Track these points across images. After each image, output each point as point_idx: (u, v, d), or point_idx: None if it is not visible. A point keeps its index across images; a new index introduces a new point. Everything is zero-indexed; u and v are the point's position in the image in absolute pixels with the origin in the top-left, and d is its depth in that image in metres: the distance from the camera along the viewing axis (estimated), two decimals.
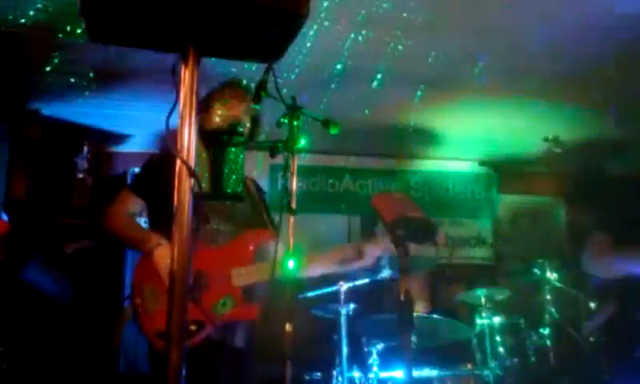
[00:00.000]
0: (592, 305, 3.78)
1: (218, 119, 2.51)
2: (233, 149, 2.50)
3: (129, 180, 4.41)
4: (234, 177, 2.56)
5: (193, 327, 2.26)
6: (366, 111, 4.63)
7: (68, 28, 3.32)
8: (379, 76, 4.02)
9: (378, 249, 2.58)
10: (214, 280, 2.36)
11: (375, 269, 2.80)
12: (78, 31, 3.33)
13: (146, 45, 1.32)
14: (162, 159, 2.47)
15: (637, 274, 2.38)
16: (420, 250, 2.35)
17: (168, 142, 1.24)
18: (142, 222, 2.93)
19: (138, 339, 3.71)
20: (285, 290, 2.13)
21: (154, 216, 2.53)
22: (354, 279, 3.51)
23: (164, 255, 2.27)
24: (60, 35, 3.39)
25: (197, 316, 2.26)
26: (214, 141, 2.49)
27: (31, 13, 3.17)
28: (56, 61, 3.75)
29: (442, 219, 5.84)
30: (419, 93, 4.34)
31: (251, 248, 2.49)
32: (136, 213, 2.55)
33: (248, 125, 2.54)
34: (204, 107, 2.51)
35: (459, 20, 3.36)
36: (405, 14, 3.26)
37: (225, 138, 2.47)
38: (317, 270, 2.63)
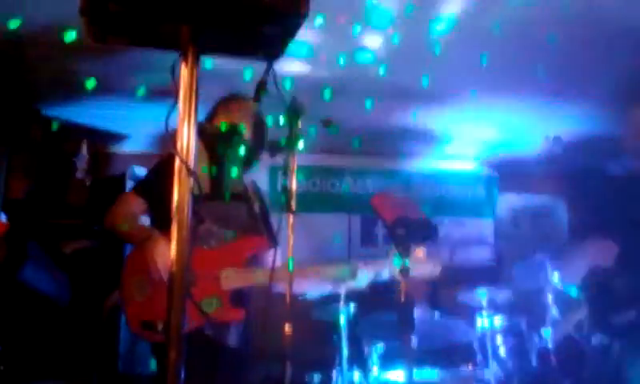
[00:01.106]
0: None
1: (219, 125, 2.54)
2: (232, 150, 2.51)
3: (128, 180, 4.42)
4: (234, 176, 2.57)
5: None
6: (367, 111, 4.62)
7: (68, 28, 3.31)
8: (380, 73, 4.01)
9: (372, 271, 2.57)
10: (202, 279, 2.37)
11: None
12: (79, 31, 3.32)
13: (146, 44, 1.31)
14: (168, 162, 2.48)
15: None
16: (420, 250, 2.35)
17: (169, 142, 1.23)
18: (143, 220, 2.96)
19: (137, 340, 3.71)
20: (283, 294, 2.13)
21: (158, 218, 2.57)
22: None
23: (153, 247, 2.34)
24: (60, 35, 3.37)
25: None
26: (214, 142, 2.50)
27: (31, 12, 3.16)
28: (56, 60, 3.75)
29: (442, 219, 5.83)
30: (419, 92, 4.33)
31: (245, 255, 2.51)
32: (137, 213, 2.62)
33: (249, 131, 2.59)
34: (208, 117, 2.62)
35: (460, 19, 3.35)
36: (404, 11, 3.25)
37: (224, 139, 2.48)
38: (308, 285, 2.65)
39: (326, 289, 2.74)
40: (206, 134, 2.48)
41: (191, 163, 1.23)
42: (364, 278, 2.55)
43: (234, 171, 2.61)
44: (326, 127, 2.34)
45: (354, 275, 2.54)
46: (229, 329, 2.48)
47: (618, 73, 3.93)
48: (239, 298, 2.48)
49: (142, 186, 2.68)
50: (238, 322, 2.49)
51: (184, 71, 1.24)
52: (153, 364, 2.49)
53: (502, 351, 3.80)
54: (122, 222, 2.56)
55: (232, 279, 2.44)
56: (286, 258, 2.13)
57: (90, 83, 4.04)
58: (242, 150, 2.53)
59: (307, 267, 2.57)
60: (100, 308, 3.99)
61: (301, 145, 2.22)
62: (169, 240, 1.24)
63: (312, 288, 2.69)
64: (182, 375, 1.19)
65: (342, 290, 2.89)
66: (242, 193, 2.67)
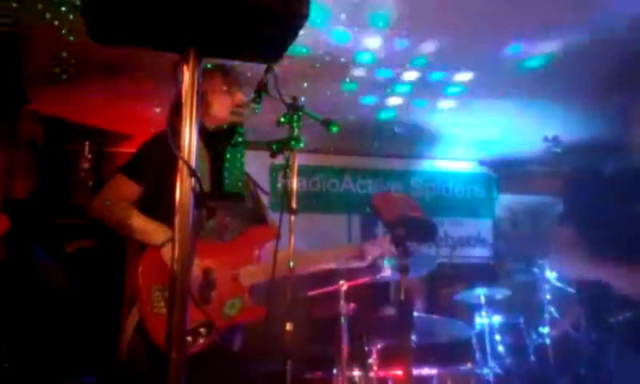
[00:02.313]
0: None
1: (224, 114, 2.45)
2: (233, 148, 2.51)
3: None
4: (234, 175, 2.57)
5: (202, 330, 2.16)
6: (367, 111, 4.63)
7: (69, 27, 3.32)
8: (380, 73, 4.03)
9: (378, 249, 2.58)
10: (222, 279, 2.28)
11: (375, 268, 2.80)
12: (79, 31, 3.33)
13: (146, 45, 1.32)
14: (158, 143, 2.32)
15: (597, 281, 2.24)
16: (420, 249, 2.36)
17: (171, 142, 1.22)
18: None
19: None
20: (285, 288, 2.12)
21: (149, 202, 2.31)
22: (355, 279, 3.51)
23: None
24: (61, 34, 3.39)
25: (206, 318, 2.16)
26: (215, 140, 2.50)
27: (31, 12, 3.18)
28: (56, 60, 3.76)
29: (442, 219, 5.84)
30: (420, 92, 4.35)
31: (257, 246, 2.41)
32: (134, 200, 2.31)
33: (245, 109, 2.50)
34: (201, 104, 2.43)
35: (459, 20, 3.37)
36: (403, 11, 3.27)
37: (226, 138, 2.48)
38: (316, 268, 2.61)
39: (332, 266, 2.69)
40: (206, 132, 2.45)
41: (192, 163, 1.23)
42: (371, 258, 2.56)
43: (236, 167, 2.58)
44: (326, 127, 2.35)
45: (362, 256, 2.54)
46: (234, 332, 2.39)
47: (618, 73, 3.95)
48: (255, 294, 2.37)
49: (132, 168, 2.35)
50: (257, 321, 2.35)
51: (185, 72, 1.25)
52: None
53: (501, 349, 3.82)
54: (124, 215, 2.26)
55: (251, 276, 2.33)
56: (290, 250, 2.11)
57: (91, 82, 4.07)
58: (242, 147, 2.50)
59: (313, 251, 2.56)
60: (102, 306, 4.00)
61: (301, 145, 2.23)
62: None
63: (318, 268, 2.63)
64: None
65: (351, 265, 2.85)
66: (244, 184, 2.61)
